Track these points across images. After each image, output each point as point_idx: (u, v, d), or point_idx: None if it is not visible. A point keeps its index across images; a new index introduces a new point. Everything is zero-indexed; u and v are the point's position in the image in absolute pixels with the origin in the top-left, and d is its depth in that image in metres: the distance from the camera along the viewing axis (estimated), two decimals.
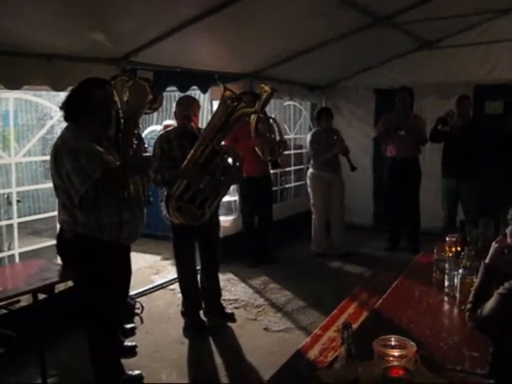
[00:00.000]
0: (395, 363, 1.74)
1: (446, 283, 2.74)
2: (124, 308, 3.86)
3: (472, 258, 2.56)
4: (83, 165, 2.89)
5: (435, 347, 2.10)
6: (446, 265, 2.77)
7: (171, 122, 6.21)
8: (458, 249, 2.99)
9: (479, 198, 5.71)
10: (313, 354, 2.89)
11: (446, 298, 2.71)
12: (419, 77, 6.85)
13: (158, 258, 6.46)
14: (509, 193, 5.11)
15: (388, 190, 6.49)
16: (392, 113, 6.31)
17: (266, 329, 4.44)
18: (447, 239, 3.13)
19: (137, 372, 3.62)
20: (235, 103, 3.93)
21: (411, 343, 1.83)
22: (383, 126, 6.29)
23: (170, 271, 5.85)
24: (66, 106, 3.11)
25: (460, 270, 2.57)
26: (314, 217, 6.51)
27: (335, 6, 4.63)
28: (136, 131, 3.34)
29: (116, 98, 3.33)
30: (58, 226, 3.23)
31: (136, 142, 3.31)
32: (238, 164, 4.26)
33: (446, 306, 2.64)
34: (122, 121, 3.30)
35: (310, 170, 6.45)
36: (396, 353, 1.80)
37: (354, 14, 5.00)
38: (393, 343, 1.86)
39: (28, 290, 3.00)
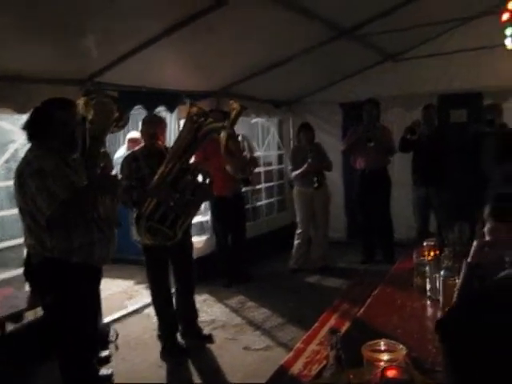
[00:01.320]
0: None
1: (428, 286, 2.70)
2: (97, 334, 3.70)
3: (452, 258, 2.53)
4: (49, 186, 2.78)
5: (424, 350, 2.04)
6: (427, 268, 2.73)
7: (135, 135, 6.11)
8: (437, 252, 2.96)
9: (451, 203, 5.74)
10: (296, 368, 2.82)
11: (428, 302, 2.67)
12: (384, 89, 6.91)
13: (130, 282, 6.29)
14: (479, 196, 5.13)
15: (359, 202, 6.50)
16: (359, 125, 6.33)
17: (245, 348, 4.33)
18: (425, 244, 3.11)
19: None
20: (202, 119, 3.86)
21: (400, 346, 1.77)
22: (351, 138, 6.31)
23: (143, 295, 5.68)
24: (29, 126, 3.01)
25: (442, 272, 2.53)
26: (298, 231, 6.46)
27: (299, 20, 4.66)
28: (102, 150, 3.26)
29: (82, 117, 3.24)
30: (25, 250, 3.10)
31: (103, 161, 3.23)
32: (208, 181, 4.20)
33: (430, 310, 2.60)
34: (88, 140, 3.21)
35: (295, 187, 6.46)
36: (386, 357, 1.74)
37: (318, 27, 5.03)
38: (382, 348, 1.80)
39: None
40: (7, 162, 4.08)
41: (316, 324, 3.81)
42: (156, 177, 3.92)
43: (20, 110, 3.95)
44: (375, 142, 6.04)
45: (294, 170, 6.30)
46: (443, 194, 5.84)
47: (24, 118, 3.87)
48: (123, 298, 5.75)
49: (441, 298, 2.53)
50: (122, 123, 3.48)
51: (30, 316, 3.98)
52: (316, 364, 2.78)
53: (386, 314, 2.52)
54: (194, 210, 4.20)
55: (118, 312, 5.18)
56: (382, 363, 1.71)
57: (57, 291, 2.92)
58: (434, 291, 2.65)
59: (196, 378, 3.89)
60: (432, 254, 2.96)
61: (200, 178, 4.16)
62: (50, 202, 2.76)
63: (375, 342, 1.82)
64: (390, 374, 1.56)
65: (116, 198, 3.26)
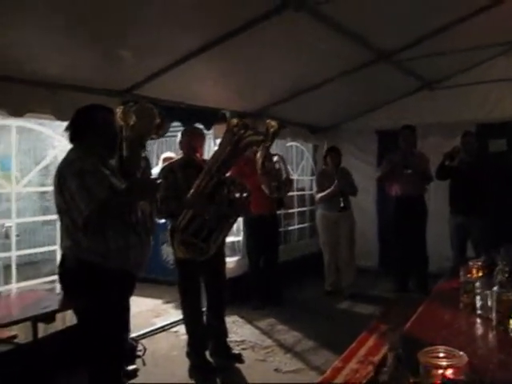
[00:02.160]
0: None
1: (479, 304, 2.57)
2: (127, 345, 3.62)
3: (507, 273, 2.41)
4: (89, 185, 2.75)
5: (481, 366, 1.91)
6: (477, 284, 2.60)
7: (171, 155, 6.12)
8: (485, 271, 2.85)
9: (493, 229, 5.57)
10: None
11: (478, 320, 2.53)
12: (421, 117, 6.82)
13: (159, 301, 6.22)
14: None
15: (394, 230, 6.32)
16: (396, 153, 6.22)
17: (276, 369, 4.20)
18: (471, 263, 2.99)
19: None
20: (242, 131, 3.83)
21: (461, 353, 1.66)
22: (388, 165, 6.20)
23: (171, 314, 5.62)
24: (70, 127, 3.02)
25: (495, 288, 2.40)
26: (324, 256, 6.39)
27: (342, 40, 4.63)
28: (143, 154, 3.22)
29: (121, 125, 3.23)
30: (60, 254, 3.06)
31: (143, 165, 3.20)
32: (245, 196, 4.14)
33: (481, 327, 2.46)
34: (128, 144, 3.20)
35: (318, 210, 6.39)
36: (446, 362, 1.62)
37: (358, 48, 5.00)
38: (441, 354, 1.68)
39: (27, 318, 2.79)
40: (46, 167, 4.09)
41: (353, 344, 3.66)
42: (193, 189, 3.88)
43: (59, 117, 3.99)
44: (412, 168, 5.92)
45: (319, 192, 6.25)
46: (483, 223, 5.66)
47: (64, 125, 3.93)
48: (151, 316, 5.68)
49: (493, 315, 2.39)
50: (162, 131, 3.44)
51: (60, 324, 3.99)
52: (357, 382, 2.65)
53: (434, 330, 2.40)
54: (229, 225, 4.13)
55: (146, 329, 5.09)
56: (440, 371, 1.60)
57: (90, 296, 2.86)
58: (486, 309, 2.51)
59: None
60: (481, 272, 2.84)
61: (237, 194, 4.11)
62: (88, 202, 2.73)
63: (433, 347, 1.70)
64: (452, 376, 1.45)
65: (154, 203, 3.21)
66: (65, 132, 3.10)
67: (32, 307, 2.96)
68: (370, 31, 4.68)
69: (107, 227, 2.87)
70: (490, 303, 2.47)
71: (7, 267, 3.98)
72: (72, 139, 3.02)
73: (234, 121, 3.81)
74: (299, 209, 7.54)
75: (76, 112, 3.08)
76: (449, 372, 1.56)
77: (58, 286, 3.87)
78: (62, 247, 3.00)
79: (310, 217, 7.75)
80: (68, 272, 2.95)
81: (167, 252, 6.90)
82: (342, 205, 5.95)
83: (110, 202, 2.80)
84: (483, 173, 5.64)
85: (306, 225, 7.66)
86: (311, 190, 7.80)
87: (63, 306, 3.08)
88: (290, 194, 6.76)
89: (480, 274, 2.89)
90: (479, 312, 2.57)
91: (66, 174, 2.82)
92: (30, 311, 2.88)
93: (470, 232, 5.82)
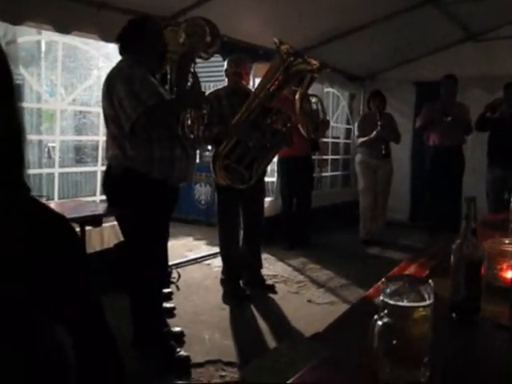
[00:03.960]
0: None
1: None
2: (167, 258, 3.65)
3: None
4: (137, 90, 2.77)
5: None
6: None
7: None
8: None
9: None
10: None
11: None
12: (462, 69, 6.62)
13: (190, 238, 6.28)
14: None
15: (430, 180, 6.25)
16: (436, 102, 6.11)
17: (309, 301, 4.25)
18: None
19: (178, 329, 3.44)
20: (292, 58, 3.77)
21: None
22: (428, 113, 6.09)
23: (203, 250, 5.67)
24: (121, 37, 3.02)
25: None
26: (361, 203, 6.37)
27: None
28: (192, 69, 3.20)
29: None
30: (102, 164, 3.08)
31: (192, 81, 3.18)
32: (288, 126, 4.12)
33: None
34: (177, 60, 3.18)
35: (358, 155, 6.35)
36: None
37: None
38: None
39: (76, 218, 2.83)
40: (90, 87, 4.10)
41: (395, 269, 3.65)
42: (238, 114, 3.86)
43: (104, 38, 4.00)
44: (452, 117, 5.81)
45: (360, 136, 6.20)
46: None
47: (109, 46, 3.92)
48: (183, 250, 5.72)
49: None
50: (212, 49, 3.40)
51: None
52: None
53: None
54: (272, 155, 4.14)
55: (178, 259, 5.15)
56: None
57: (134, 204, 2.87)
58: None
59: (261, 322, 3.81)
60: None
61: (281, 124, 4.09)
62: (136, 106, 2.74)
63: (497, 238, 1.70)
64: None
65: (202, 117, 3.19)
66: (115, 43, 3.09)
67: (78, 211, 2.99)
68: None
69: (154, 137, 2.88)
70: None
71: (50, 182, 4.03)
72: (122, 51, 3.02)
73: (285, 46, 3.74)
74: (333, 156, 7.50)
75: (128, 23, 3.07)
76: None
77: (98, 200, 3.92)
78: (108, 156, 3.02)
79: (344, 165, 7.71)
80: (113, 180, 2.99)
81: (200, 192, 6.95)
82: (383, 152, 5.91)
83: (158, 107, 2.82)
84: None
85: (338, 173, 7.62)
86: (346, 138, 7.75)
87: (108, 212, 3.10)
88: (325, 139, 6.71)
89: None
90: None
91: (115, 80, 2.83)
92: (76, 213, 2.91)
93: (508, 185, 5.73)
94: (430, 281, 1.03)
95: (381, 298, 1.03)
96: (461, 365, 1.10)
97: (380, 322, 0.99)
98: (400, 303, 1.00)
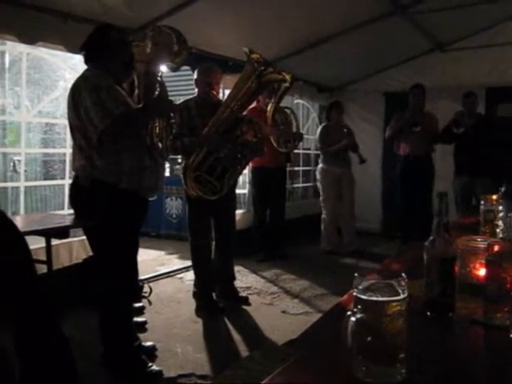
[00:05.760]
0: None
1: (501, 227, 2.54)
2: (137, 271, 3.58)
3: None
4: (104, 100, 2.71)
5: None
6: (500, 208, 2.58)
7: None
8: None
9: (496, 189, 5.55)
10: None
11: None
12: (430, 80, 6.74)
13: (162, 252, 6.19)
14: None
15: (400, 189, 6.29)
16: (405, 111, 6.17)
17: (283, 312, 4.20)
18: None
19: (149, 343, 3.35)
20: (263, 67, 3.75)
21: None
22: (397, 124, 6.15)
23: (175, 263, 5.60)
24: (86, 47, 2.98)
25: None
26: (323, 214, 6.36)
27: None
28: (159, 78, 3.15)
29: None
30: (70, 177, 3.01)
31: (159, 89, 3.14)
32: (259, 137, 4.10)
33: None
34: (144, 66, 3.14)
35: (320, 165, 6.36)
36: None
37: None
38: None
39: (41, 230, 2.75)
40: (57, 99, 4.03)
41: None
42: (209, 124, 3.82)
43: (70, 49, 3.95)
44: (421, 127, 5.87)
45: (324, 147, 6.24)
46: (489, 184, 5.63)
47: (75, 57, 3.87)
48: (155, 264, 5.63)
49: None
50: (180, 59, 3.35)
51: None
52: None
53: None
54: (243, 165, 4.11)
55: (150, 274, 5.06)
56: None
57: (102, 215, 2.81)
58: (509, 231, 2.49)
59: (234, 335, 3.75)
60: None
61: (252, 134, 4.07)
62: (103, 116, 2.68)
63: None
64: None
65: (170, 126, 3.14)
66: (80, 52, 3.04)
67: (44, 223, 2.91)
68: None
69: (122, 147, 2.83)
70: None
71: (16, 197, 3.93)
72: (87, 60, 2.98)
73: (255, 55, 3.72)
74: (304, 168, 7.50)
75: (91, 33, 3.02)
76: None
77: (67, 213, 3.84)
78: (75, 168, 2.95)
79: (315, 177, 7.70)
80: (80, 191, 2.92)
81: (171, 206, 6.88)
82: (363, 159, 5.95)
83: (125, 117, 2.76)
84: (486, 135, 5.61)
85: (310, 184, 7.63)
86: (317, 149, 7.75)
87: (75, 224, 3.03)
88: (296, 151, 6.71)
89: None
90: (501, 235, 2.54)
91: (81, 89, 2.77)
92: (42, 226, 2.83)
93: (475, 191, 5.80)
94: (404, 275, 1.00)
95: (354, 293, 1.00)
96: (436, 362, 1.07)
97: (353, 319, 0.96)
98: (373, 298, 0.97)
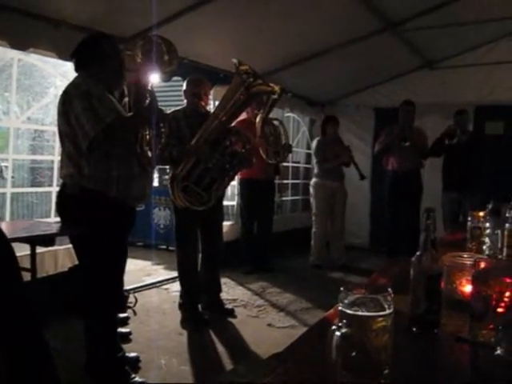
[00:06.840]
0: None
1: (488, 244, 2.55)
2: (122, 281, 3.54)
3: None
4: (95, 107, 2.69)
5: None
6: (487, 224, 2.59)
7: None
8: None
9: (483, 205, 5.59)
10: None
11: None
12: (419, 96, 6.77)
13: (148, 263, 6.15)
14: None
15: (388, 204, 6.31)
16: (394, 126, 6.21)
17: (269, 325, 4.18)
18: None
19: (133, 354, 3.32)
20: (251, 79, 3.77)
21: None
22: (386, 138, 6.18)
23: (162, 274, 5.56)
24: (76, 54, 2.96)
25: (507, 225, 2.38)
26: (314, 228, 6.35)
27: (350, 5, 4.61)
28: (149, 87, 3.15)
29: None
30: (58, 184, 2.98)
31: (149, 98, 3.13)
32: (248, 148, 4.10)
33: None
34: (135, 74, 3.13)
35: (314, 180, 6.36)
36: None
37: (366, 15, 4.97)
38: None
39: (26, 237, 2.71)
40: (47, 106, 4.00)
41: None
42: (198, 135, 3.82)
43: (61, 56, 3.93)
44: (411, 142, 5.91)
45: (320, 162, 6.25)
46: (478, 200, 5.66)
47: (67, 65, 3.86)
48: (141, 274, 5.60)
49: (505, 252, 2.38)
50: (170, 68, 3.35)
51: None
52: None
53: None
54: (231, 176, 4.10)
55: (136, 284, 5.02)
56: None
57: (89, 224, 2.78)
58: (496, 248, 2.50)
59: (219, 347, 3.72)
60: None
61: (241, 145, 4.07)
62: (94, 124, 2.66)
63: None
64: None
65: (160, 134, 3.14)
66: (71, 59, 3.03)
67: (30, 230, 2.88)
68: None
69: (111, 155, 2.81)
70: (499, 243, 2.46)
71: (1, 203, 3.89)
72: (77, 67, 2.97)
73: (244, 67, 3.73)
74: (293, 181, 7.51)
75: (82, 40, 3.01)
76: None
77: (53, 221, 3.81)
78: (62, 175, 2.93)
79: (304, 190, 7.71)
80: (68, 199, 2.89)
81: (159, 216, 6.85)
82: (363, 175, 5.98)
83: (116, 124, 2.74)
84: (477, 151, 5.68)
85: (299, 197, 7.63)
86: (307, 163, 7.78)
87: (61, 232, 3.00)
88: (285, 164, 6.72)
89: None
90: (487, 253, 2.55)
91: (72, 96, 2.75)
92: (27, 233, 2.79)
93: (462, 206, 5.84)
94: (390, 289, 1.00)
95: (339, 307, 0.99)
96: (421, 378, 1.07)
97: (338, 333, 0.95)
98: (359, 313, 0.96)
